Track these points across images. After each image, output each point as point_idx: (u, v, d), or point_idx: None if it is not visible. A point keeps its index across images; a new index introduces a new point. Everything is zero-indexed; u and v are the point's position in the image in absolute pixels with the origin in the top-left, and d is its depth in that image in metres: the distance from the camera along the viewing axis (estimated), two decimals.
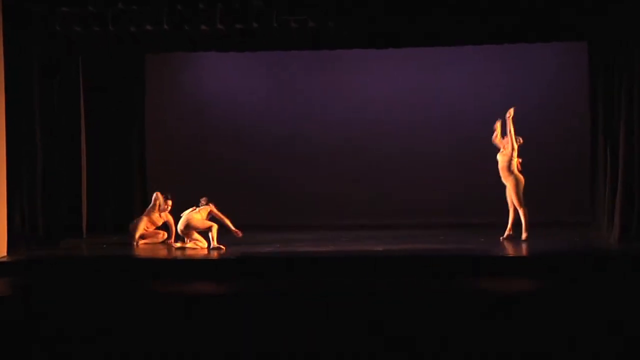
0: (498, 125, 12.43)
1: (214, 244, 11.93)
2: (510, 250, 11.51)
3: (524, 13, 11.61)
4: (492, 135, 12.48)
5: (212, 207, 12.19)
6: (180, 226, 12.13)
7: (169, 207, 12.74)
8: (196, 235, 12.14)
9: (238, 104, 15.88)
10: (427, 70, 15.50)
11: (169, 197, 12.78)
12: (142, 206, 13.54)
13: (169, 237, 12.70)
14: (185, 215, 12.15)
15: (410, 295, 9.12)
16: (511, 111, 12.29)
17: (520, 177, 12.20)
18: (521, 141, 12.31)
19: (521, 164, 12.26)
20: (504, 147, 12.34)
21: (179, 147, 15.76)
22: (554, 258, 10.74)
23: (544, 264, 10.51)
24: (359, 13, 11.70)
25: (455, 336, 7.66)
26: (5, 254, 11.31)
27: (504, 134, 12.41)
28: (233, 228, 12.08)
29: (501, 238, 12.25)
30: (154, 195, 12.86)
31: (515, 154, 12.21)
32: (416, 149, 15.44)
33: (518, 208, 12.09)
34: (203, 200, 12.26)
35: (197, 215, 12.12)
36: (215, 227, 12.01)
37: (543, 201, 14.03)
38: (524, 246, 11.74)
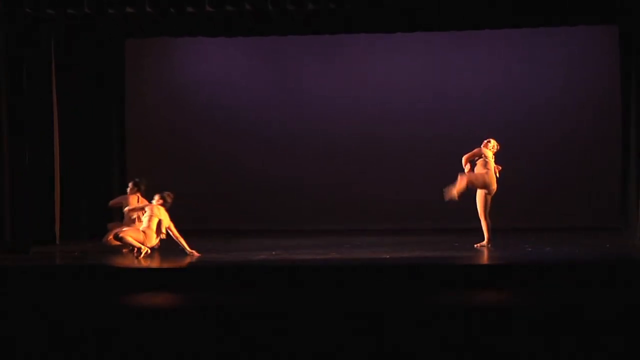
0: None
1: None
2: (534, 257, 10.83)
3: None
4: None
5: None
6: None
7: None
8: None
9: (228, 94, 15.27)
10: (436, 58, 14.92)
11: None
12: (121, 209, 12.44)
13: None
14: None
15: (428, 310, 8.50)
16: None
17: (492, 176, 11.40)
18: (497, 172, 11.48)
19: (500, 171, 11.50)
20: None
21: (162, 142, 15.17)
22: (582, 265, 10.09)
23: (572, 271, 9.78)
24: None
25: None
26: None
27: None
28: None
29: (475, 245, 11.55)
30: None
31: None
32: (425, 147, 14.84)
33: (481, 216, 11.39)
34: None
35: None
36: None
37: (571, 206, 13.98)
38: (548, 254, 11.05)
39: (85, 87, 13.49)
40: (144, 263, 10.72)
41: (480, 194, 11.42)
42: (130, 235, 10.98)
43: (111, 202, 12.22)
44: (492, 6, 11.40)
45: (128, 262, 10.90)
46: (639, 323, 7.66)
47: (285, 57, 15.00)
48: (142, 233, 11.04)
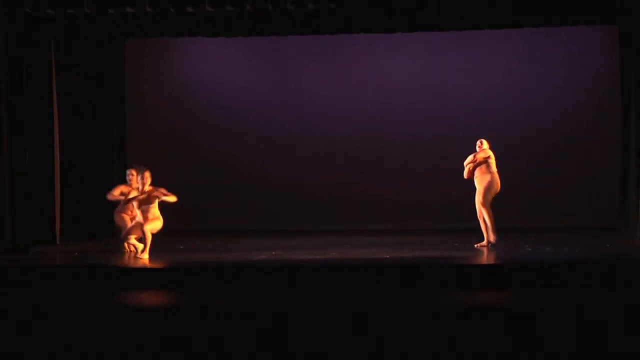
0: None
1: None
2: (534, 257, 10.77)
3: None
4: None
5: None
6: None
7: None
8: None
9: (228, 94, 15.18)
10: (436, 58, 14.84)
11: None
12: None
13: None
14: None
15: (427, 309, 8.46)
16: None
17: (497, 178, 11.38)
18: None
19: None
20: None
21: (162, 142, 14.99)
22: (582, 265, 10.03)
23: (572, 271, 9.73)
24: None
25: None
26: None
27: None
28: None
29: (476, 245, 11.54)
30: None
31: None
32: (425, 147, 14.76)
33: (482, 209, 11.34)
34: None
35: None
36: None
37: (571, 206, 13.94)
38: (548, 254, 10.99)
39: (85, 87, 13.39)
40: (144, 263, 10.65)
41: (480, 192, 11.38)
42: (151, 228, 10.82)
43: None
44: (492, 6, 11.35)
45: (128, 262, 10.84)
46: (639, 323, 7.64)
47: (285, 57, 14.93)
48: (157, 221, 10.89)
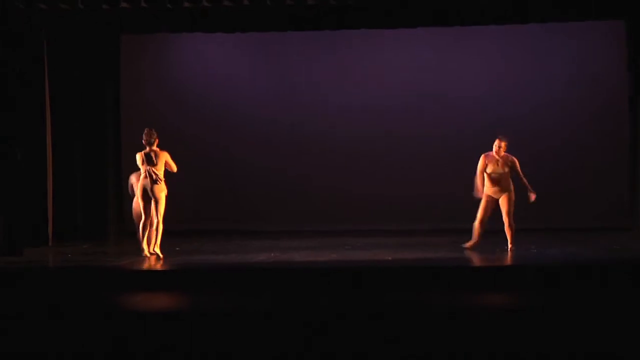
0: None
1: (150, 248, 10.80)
2: (539, 258, 10.78)
3: None
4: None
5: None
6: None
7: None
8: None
9: (227, 92, 15.03)
10: (438, 56, 14.68)
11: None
12: (117, 209, 12.31)
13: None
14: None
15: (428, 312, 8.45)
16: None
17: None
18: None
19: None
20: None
21: (160, 141, 14.62)
22: (589, 266, 9.98)
23: (579, 272, 9.71)
24: None
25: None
26: None
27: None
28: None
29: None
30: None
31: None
32: (428, 144, 14.61)
33: (512, 221, 11.18)
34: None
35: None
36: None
37: (579, 205, 13.91)
38: (554, 254, 10.99)
39: (79, 85, 13.38)
40: (144, 264, 10.62)
41: (509, 198, 11.20)
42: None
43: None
44: (496, 2, 11.31)
45: (126, 263, 10.79)
46: None
47: (284, 53, 14.83)
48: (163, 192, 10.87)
